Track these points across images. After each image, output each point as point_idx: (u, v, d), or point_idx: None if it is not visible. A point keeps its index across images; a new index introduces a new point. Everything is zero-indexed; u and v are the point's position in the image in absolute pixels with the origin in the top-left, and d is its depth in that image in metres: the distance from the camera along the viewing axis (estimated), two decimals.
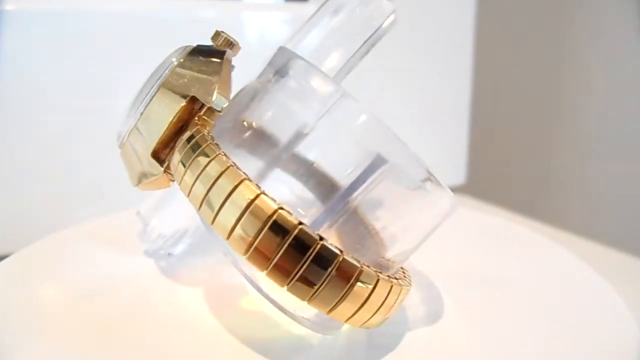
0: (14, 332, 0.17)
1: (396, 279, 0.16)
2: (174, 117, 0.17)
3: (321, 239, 0.14)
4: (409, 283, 0.17)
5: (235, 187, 0.15)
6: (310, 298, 0.14)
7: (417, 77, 0.39)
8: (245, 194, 0.14)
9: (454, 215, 0.17)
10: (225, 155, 0.15)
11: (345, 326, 0.17)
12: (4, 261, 0.20)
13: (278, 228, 0.14)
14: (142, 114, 0.18)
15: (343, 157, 0.21)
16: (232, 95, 0.19)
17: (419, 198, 0.18)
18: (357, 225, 0.18)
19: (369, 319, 0.15)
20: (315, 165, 0.23)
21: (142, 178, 0.18)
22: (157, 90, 0.18)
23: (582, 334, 0.18)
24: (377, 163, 0.23)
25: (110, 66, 0.29)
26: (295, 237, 0.14)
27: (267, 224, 0.14)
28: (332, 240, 0.18)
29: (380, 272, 0.15)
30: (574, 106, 0.55)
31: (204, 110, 0.17)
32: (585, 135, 0.54)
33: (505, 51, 0.56)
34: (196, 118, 0.17)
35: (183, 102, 0.17)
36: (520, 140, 0.59)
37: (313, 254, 0.14)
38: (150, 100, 0.18)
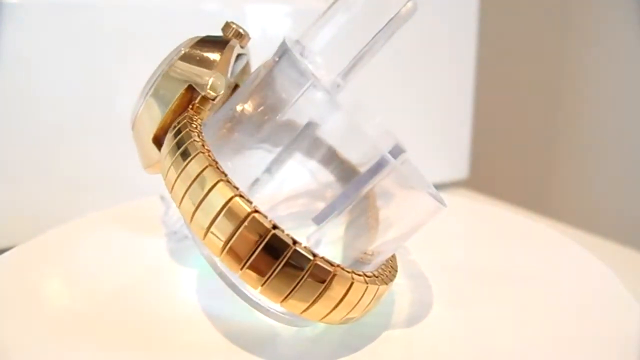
0: (18, 319, 0.17)
1: (367, 276, 0.16)
2: (173, 104, 0.18)
3: (275, 227, 0.14)
4: (385, 282, 0.17)
5: (201, 172, 0.15)
6: (261, 286, 0.14)
7: (421, 73, 0.39)
8: (208, 179, 0.15)
9: (439, 215, 0.17)
10: (199, 140, 0.16)
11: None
12: (8, 252, 0.21)
13: (232, 215, 0.14)
14: (146, 99, 0.19)
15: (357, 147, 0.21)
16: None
17: (412, 196, 0.17)
18: (362, 214, 0.18)
19: (327, 314, 0.15)
20: (331, 151, 0.23)
21: (148, 161, 0.20)
22: (161, 77, 0.19)
23: (584, 321, 0.17)
24: (394, 152, 0.23)
25: (113, 59, 0.30)
26: (248, 225, 0.14)
27: (223, 210, 0.14)
28: (342, 225, 0.18)
29: (342, 268, 0.15)
30: (576, 101, 0.56)
31: (198, 99, 0.18)
32: (587, 130, 0.54)
33: (508, 47, 0.56)
34: (190, 106, 0.18)
35: (181, 90, 0.18)
36: (522, 135, 0.59)
37: (264, 243, 0.14)
38: (154, 87, 0.19)
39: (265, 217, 0.14)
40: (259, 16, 0.29)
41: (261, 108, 0.17)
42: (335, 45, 0.22)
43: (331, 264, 0.15)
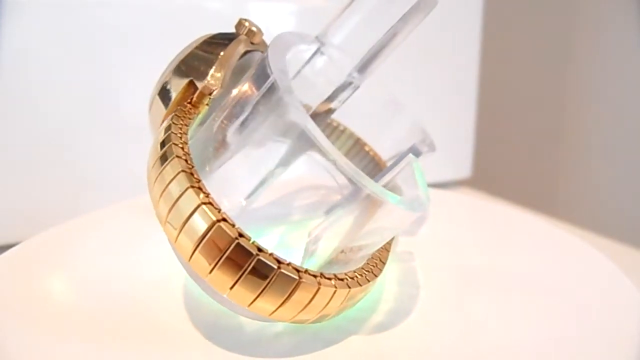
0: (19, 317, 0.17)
1: (326, 278, 0.16)
2: (176, 98, 0.19)
3: (222, 220, 0.15)
4: (349, 286, 0.16)
5: (166, 165, 0.16)
6: (208, 275, 0.15)
7: (424, 71, 0.38)
8: (171, 170, 0.16)
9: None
10: (179, 144, 0.17)
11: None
12: (10, 250, 0.21)
13: (186, 205, 0.15)
14: (156, 93, 0.20)
15: None
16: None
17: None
18: (362, 212, 0.18)
19: (274, 311, 0.15)
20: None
21: None
22: (168, 72, 0.20)
23: (591, 319, 0.17)
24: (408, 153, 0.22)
25: (115, 57, 0.30)
26: (195, 217, 0.15)
27: (179, 198, 0.15)
28: (343, 223, 0.18)
29: (293, 267, 0.15)
30: (580, 100, 0.55)
31: (196, 93, 0.19)
32: (591, 129, 0.55)
33: (511, 47, 0.56)
34: (189, 100, 0.19)
35: (184, 85, 0.19)
36: (525, 133, 0.59)
37: (209, 234, 0.15)
38: (162, 81, 0.20)
39: (218, 210, 0.15)
40: (263, 14, 0.29)
41: (240, 101, 0.17)
42: (358, 40, 0.22)
43: (279, 262, 0.15)
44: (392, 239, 0.21)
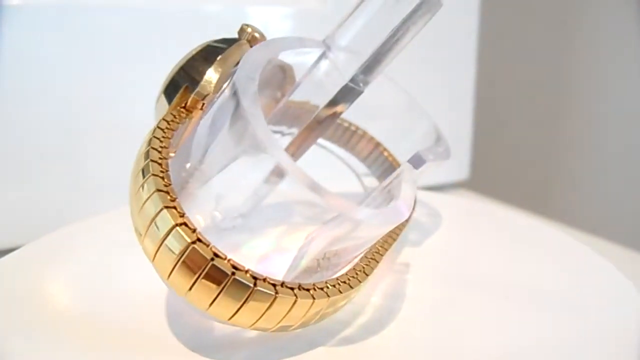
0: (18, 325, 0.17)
1: (289, 287, 0.15)
2: (173, 103, 0.20)
3: (181, 225, 0.15)
4: (313, 297, 0.16)
5: (145, 162, 0.16)
6: (168, 278, 0.15)
7: (421, 73, 0.37)
8: (149, 168, 0.16)
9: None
10: (160, 138, 0.17)
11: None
12: (12, 253, 0.21)
13: (152, 206, 0.15)
14: (158, 98, 0.21)
15: None
16: None
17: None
18: (352, 222, 0.18)
19: (232, 316, 0.15)
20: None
21: None
22: (168, 77, 0.20)
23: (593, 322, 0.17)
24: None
25: (114, 61, 0.30)
26: (158, 220, 0.15)
27: (147, 199, 0.15)
28: (340, 230, 0.18)
29: (251, 275, 0.15)
30: (578, 103, 0.55)
31: (190, 98, 0.19)
32: (590, 131, 0.54)
33: (509, 48, 0.57)
34: (183, 105, 0.19)
35: (181, 91, 0.20)
36: (523, 135, 0.59)
37: (168, 237, 0.15)
38: (163, 86, 0.20)
39: (181, 214, 0.15)
40: (261, 18, 0.29)
41: (221, 106, 0.18)
42: (364, 43, 0.21)
43: (235, 268, 0.15)
44: (387, 250, 0.20)
